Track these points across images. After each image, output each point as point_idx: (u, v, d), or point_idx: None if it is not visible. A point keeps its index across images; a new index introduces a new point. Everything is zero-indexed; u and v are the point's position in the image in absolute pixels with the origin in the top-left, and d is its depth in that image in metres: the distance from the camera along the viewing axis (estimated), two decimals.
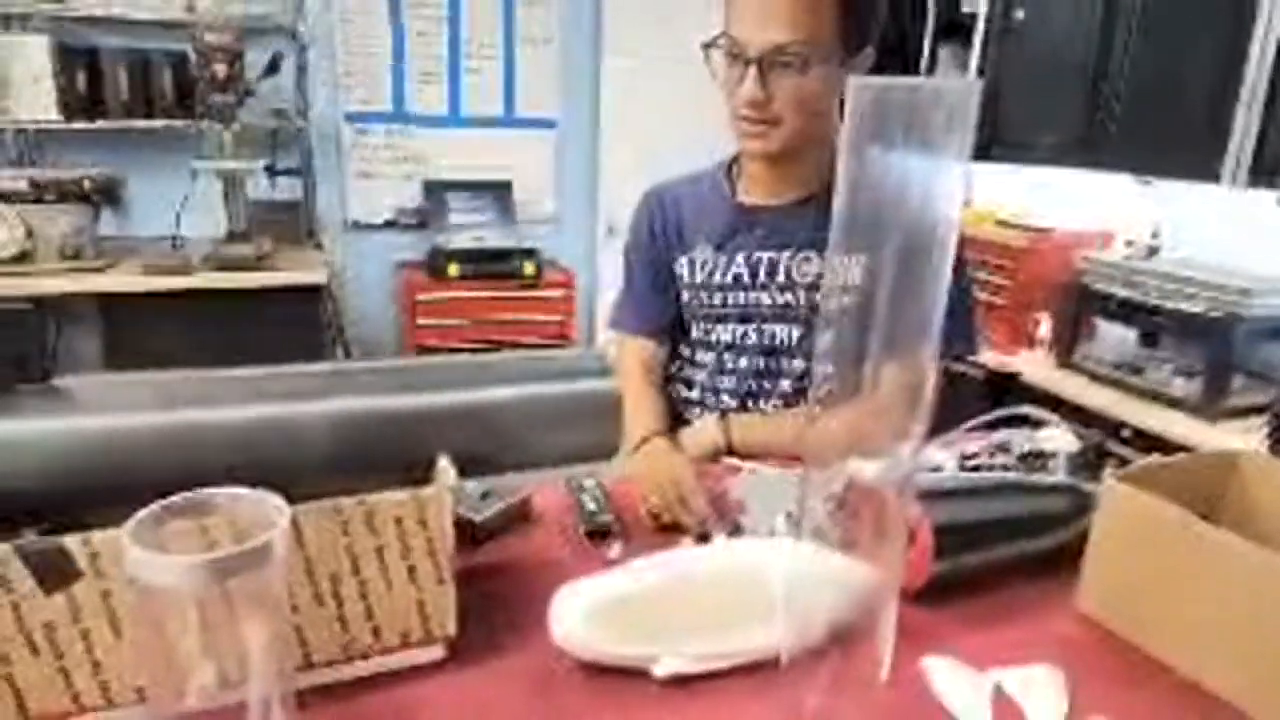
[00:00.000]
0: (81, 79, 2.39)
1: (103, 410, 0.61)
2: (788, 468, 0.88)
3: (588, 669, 0.58)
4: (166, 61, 2.44)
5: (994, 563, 0.71)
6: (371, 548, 0.55)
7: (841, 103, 0.66)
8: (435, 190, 2.93)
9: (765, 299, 1.01)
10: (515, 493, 0.79)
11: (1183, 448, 1.62)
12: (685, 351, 1.10)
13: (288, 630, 0.51)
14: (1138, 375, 1.91)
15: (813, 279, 0.99)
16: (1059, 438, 0.91)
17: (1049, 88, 2.19)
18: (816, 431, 0.53)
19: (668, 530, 0.78)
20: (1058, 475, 0.85)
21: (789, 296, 1.01)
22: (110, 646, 0.49)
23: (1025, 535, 0.72)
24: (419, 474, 0.59)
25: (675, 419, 1.08)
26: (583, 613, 0.58)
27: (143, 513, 0.45)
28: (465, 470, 0.61)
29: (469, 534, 0.74)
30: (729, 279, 1.03)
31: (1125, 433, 1.79)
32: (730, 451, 0.98)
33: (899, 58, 2.51)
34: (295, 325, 2.32)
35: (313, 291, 2.36)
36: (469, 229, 2.88)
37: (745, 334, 1.03)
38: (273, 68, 2.46)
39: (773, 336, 1.02)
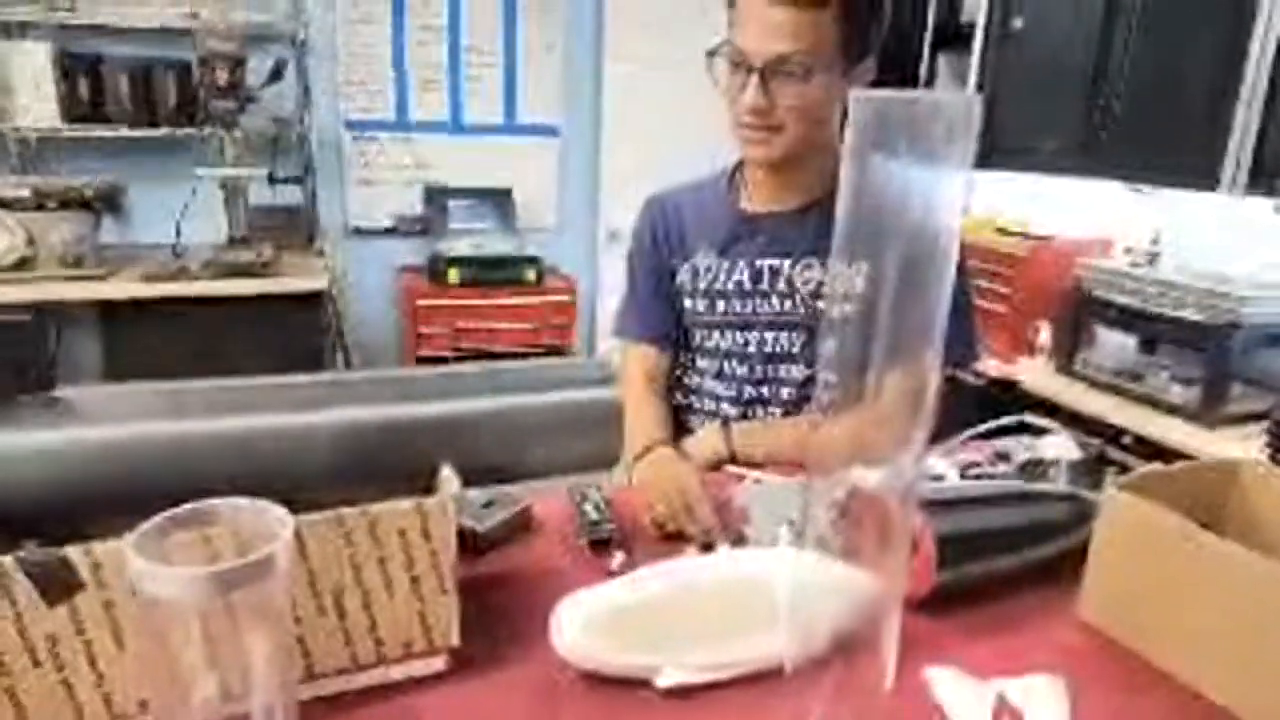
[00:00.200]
0: (84, 86, 2.40)
1: (104, 421, 0.61)
2: (790, 476, 0.88)
3: (590, 679, 0.58)
4: (169, 69, 2.45)
5: (996, 572, 0.71)
6: (374, 558, 0.55)
7: (844, 111, 0.66)
8: (436, 197, 2.94)
9: (766, 306, 1.02)
10: (517, 502, 0.79)
11: (1182, 454, 1.62)
12: (686, 358, 1.10)
13: (290, 641, 0.51)
14: (1137, 382, 1.91)
15: (814, 286, 1.00)
16: (1060, 445, 0.91)
17: (1048, 96, 2.20)
18: (819, 439, 0.53)
19: (671, 539, 0.78)
20: (1059, 483, 0.85)
21: (790, 304, 1.01)
22: (113, 658, 0.49)
23: (1027, 544, 0.72)
24: (422, 483, 0.59)
25: (676, 426, 1.08)
26: (585, 623, 0.58)
27: (146, 524, 0.45)
28: (468, 480, 0.61)
29: (471, 544, 0.74)
30: (730, 286, 1.03)
31: (1125, 439, 1.79)
32: (733, 460, 0.98)
33: (899, 66, 2.52)
34: (296, 331, 2.32)
35: (313, 298, 2.36)
36: (470, 235, 2.89)
37: (746, 341, 1.03)
38: (275, 75, 2.47)
39: (774, 344, 1.02)
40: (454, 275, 2.73)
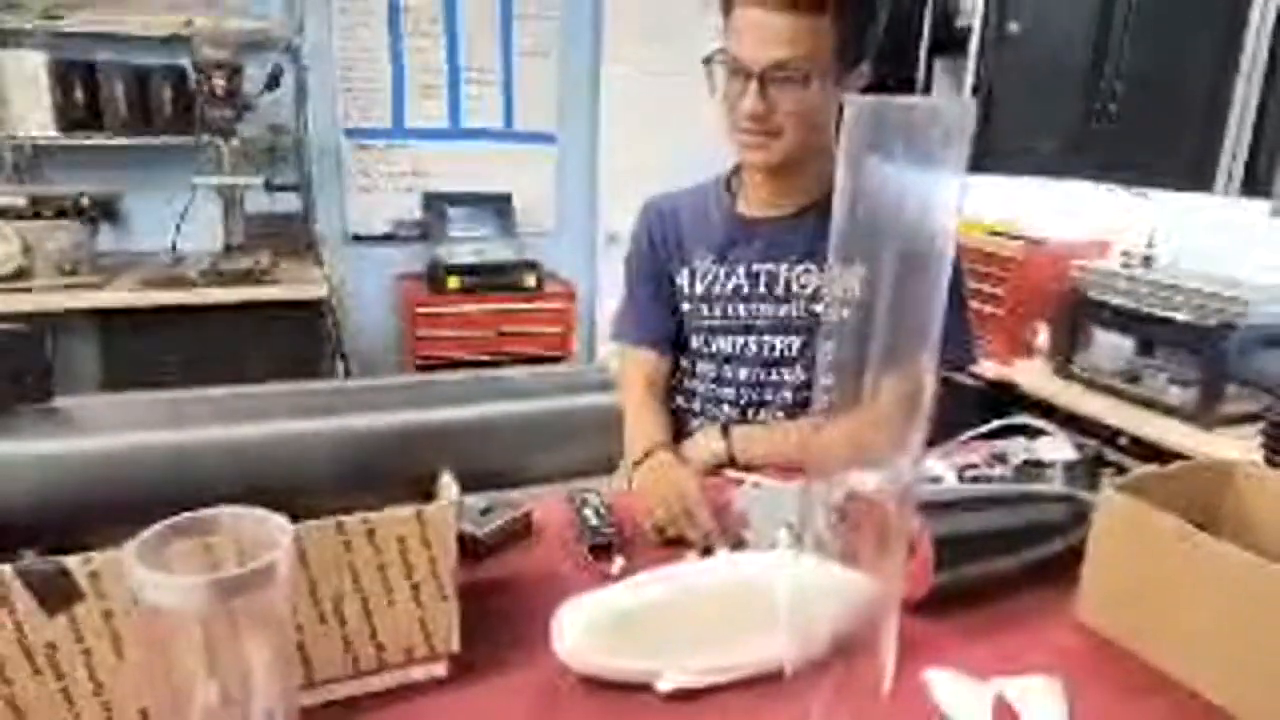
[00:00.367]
0: (79, 94, 2.39)
1: (103, 430, 0.61)
2: (789, 479, 0.88)
3: (591, 684, 0.58)
4: (165, 76, 2.45)
5: (994, 573, 0.71)
6: (374, 565, 0.55)
7: (840, 115, 0.67)
8: (435, 203, 2.94)
9: (765, 310, 1.02)
10: (517, 508, 0.80)
11: (1179, 455, 1.63)
12: (685, 362, 1.11)
13: (291, 648, 0.51)
14: (1135, 384, 1.92)
15: (812, 290, 1.00)
16: (1056, 447, 0.91)
17: (1044, 99, 2.21)
18: (818, 442, 0.53)
19: (671, 544, 0.78)
20: (1055, 485, 0.85)
21: (788, 308, 1.01)
22: (112, 667, 0.49)
23: (1024, 545, 0.73)
24: (422, 490, 0.60)
25: (676, 429, 1.08)
26: (586, 627, 0.58)
27: (146, 533, 0.45)
28: (468, 486, 0.61)
29: (471, 549, 0.74)
30: (729, 290, 1.03)
31: (1122, 440, 1.80)
32: (731, 463, 0.98)
33: (896, 70, 2.54)
34: (295, 339, 2.32)
35: (312, 305, 2.36)
36: (469, 241, 2.89)
37: (745, 345, 1.04)
38: (272, 82, 2.47)
39: (772, 348, 1.03)
40: (453, 282, 2.73)
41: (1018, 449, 0.95)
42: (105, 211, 2.26)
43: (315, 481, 0.67)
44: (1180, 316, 1.81)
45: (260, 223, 2.58)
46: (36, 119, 2.34)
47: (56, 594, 0.47)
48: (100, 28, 2.41)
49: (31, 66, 2.31)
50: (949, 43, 2.50)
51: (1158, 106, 1.94)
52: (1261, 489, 0.72)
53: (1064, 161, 2.15)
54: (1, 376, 0.57)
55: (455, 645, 0.58)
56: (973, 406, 2.02)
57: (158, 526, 0.45)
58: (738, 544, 0.77)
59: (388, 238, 2.99)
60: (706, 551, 0.75)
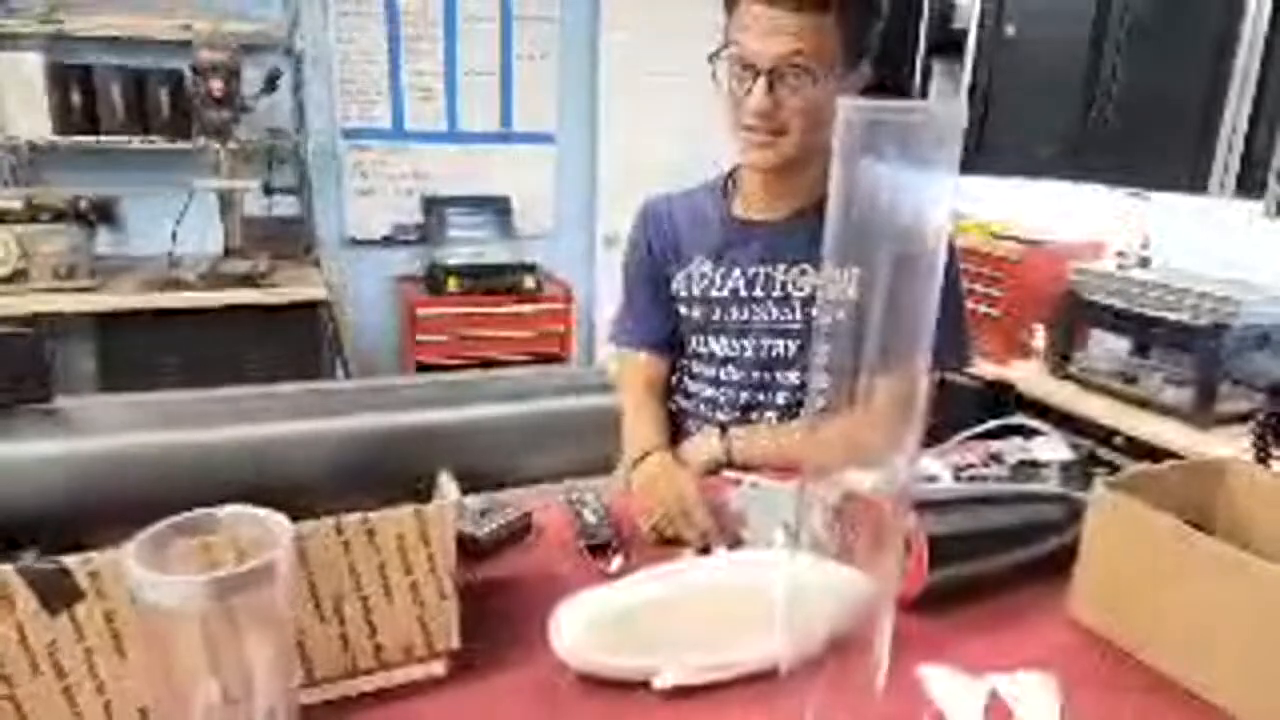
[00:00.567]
0: (77, 97, 2.40)
1: (102, 431, 0.62)
2: (786, 479, 0.89)
3: (589, 681, 0.59)
4: (162, 79, 2.46)
5: (988, 571, 0.72)
6: (374, 565, 0.55)
7: None
8: (434, 206, 2.95)
9: (762, 313, 1.02)
10: (516, 508, 0.80)
11: (1174, 455, 1.63)
12: (682, 364, 1.11)
13: (291, 647, 0.51)
14: (1131, 384, 1.93)
15: (809, 292, 1.00)
16: (1052, 447, 0.92)
17: (1040, 101, 2.22)
18: (814, 443, 0.54)
19: (669, 544, 0.79)
20: (1051, 484, 0.86)
21: (785, 310, 1.02)
22: (114, 666, 0.49)
23: (1019, 544, 0.73)
24: (421, 491, 0.60)
25: (674, 431, 1.08)
26: (584, 625, 0.59)
27: (146, 532, 0.45)
28: (466, 486, 0.62)
29: (470, 550, 0.74)
30: (726, 293, 1.04)
31: (1118, 441, 1.81)
32: (729, 464, 0.99)
33: (893, 72, 2.55)
34: (294, 342, 2.32)
35: (311, 308, 2.36)
36: (468, 244, 2.90)
37: (742, 347, 1.04)
38: (270, 85, 2.48)
39: (769, 350, 1.03)
40: (452, 284, 2.74)
41: (1013, 449, 0.96)
42: (103, 215, 2.26)
43: (314, 482, 0.68)
44: (1175, 317, 1.82)
45: (259, 226, 2.59)
46: (34, 121, 2.34)
47: (58, 594, 0.47)
48: (98, 30, 2.41)
49: (29, 69, 2.31)
50: (946, 45, 2.52)
51: (1153, 108, 1.95)
52: (1253, 486, 0.72)
53: (1060, 163, 2.15)
54: (1, 378, 0.57)
55: (455, 643, 0.59)
56: (970, 407, 2.02)
57: (157, 526, 0.46)
58: (735, 543, 0.77)
59: (386, 240, 3.00)
60: (704, 551, 0.76)
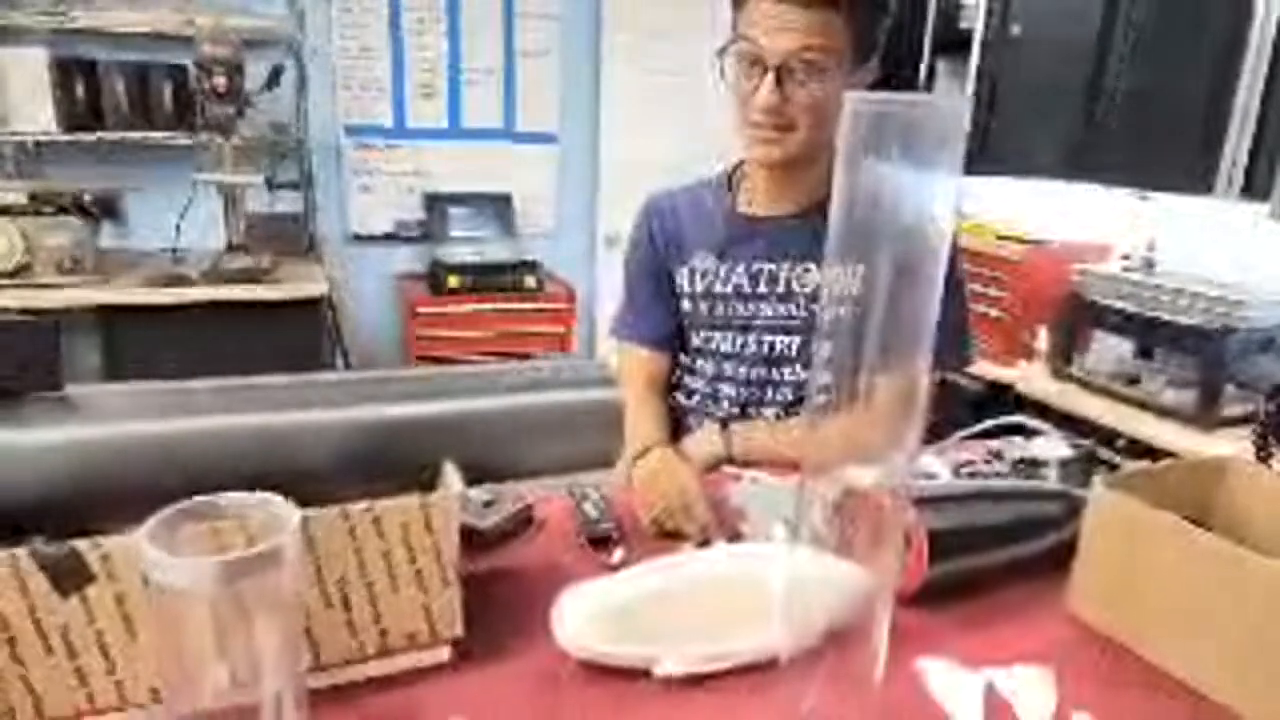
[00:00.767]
0: (81, 91, 2.41)
1: (111, 419, 0.62)
2: (786, 476, 0.89)
3: (590, 670, 0.59)
4: (166, 74, 2.46)
5: (987, 567, 0.72)
6: (379, 552, 0.56)
7: None
8: (436, 203, 2.95)
9: (765, 309, 1.03)
10: (518, 501, 0.81)
11: (1176, 457, 1.63)
12: (685, 360, 1.12)
13: (299, 632, 0.52)
14: (1133, 386, 1.93)
15: (812, 289, 1.01)
16: (1052, 445, 0.93)
17: (1046, 101, 2.21)
18: (815, 440, 0.54)
19: (669, 538, 0.79)
20: (1051, 481, 0.86)
21: (789, 307, 1.02)
22: (124, 648, 0.50)
23: (1018, 540, 0.74)
24: (426, 481, 0.61)
25: (675, 426, 1.09)
26: (586, 615, 0.59)
27: (157, 516, 0.46)
28: (469, 477, 0.62)
29: (473, 541, 0.75)
30: (729, 289, 1.04)
31: (1120, 443, 1.81)
32: (730, 460, 0.99)
33: (899, 70, 2.55)
34: (296, 339, 2.33)
35: (313, 304, 2.37)
36: (469, 242, 2.90)
37: (745, 343, 1.04)
38: (273, 80, 2.49)
39: (772, 347, 1.03)
40: (454, 282, 2.74)
41: (1013, 447, 0.96)
42: (106, 209, 2.27)
43: (320, 471, 0.68)
44: (1179, 319, 1.82)
45: (261, 222, 2.59)
46: (38, 116, 2.35)
47: (69, 576, 0.48)
48: (102, 25, 2.42)
49: (33, 63, 2.32)
50: (952, 44, 2.52)
51: (1159, 109, 1.94)
52: (1253, 485, 0.73)
53: (1066, 164, 2.15)
54: (10, 365, 0.58)
55: (458, 631, 0.59)
56: (971, 408, 2.03)
57: (168, 510, 0.46)
58: (735, 538, 0.78)
59: (388, 237, 3.00)
60: (704, 544, 0.76)
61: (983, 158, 2.31)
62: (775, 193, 1.02)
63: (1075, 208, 2.35)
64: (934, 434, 0.93)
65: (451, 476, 0.61)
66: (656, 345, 1.10)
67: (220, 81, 2.27)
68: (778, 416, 1.05)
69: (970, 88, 2.38)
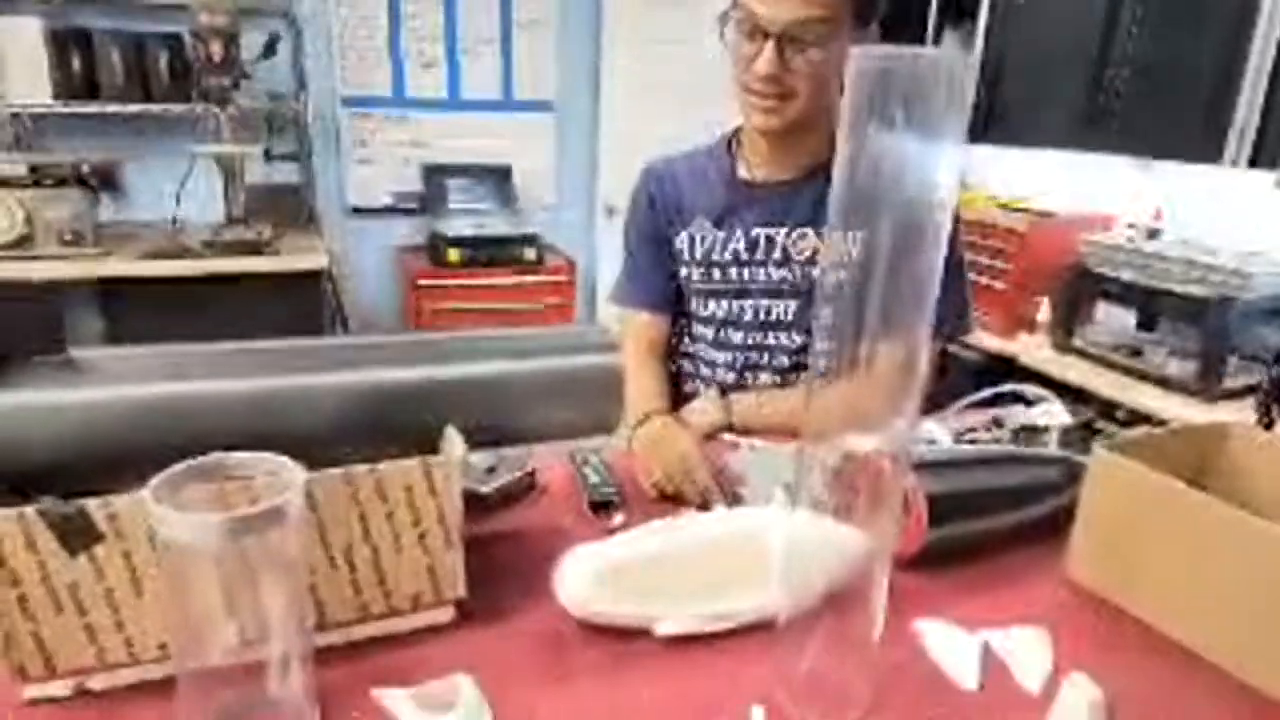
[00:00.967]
0: (76, 62, 2.38)
1: (116, 381, 0.63)
2: (785, 443, 0.90)
3: (591, 629, 0.60)
4: (161, 44, 2.43)
5: (986, 531, 0.73)
6: (382, 514, 0.56)
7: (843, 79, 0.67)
8: (435, 175, 2.93)
9: (762, 275, 1.03)
10: (521, 467, 0.81)
11: None
12: (683, 325, 1.12)
13: (305, 591, 0.52)
14: (1135, 358, 1.92)
15: (809, 254, 1.01)
16: (1053, 412, 0.93)
17: (1053, 69, 2.18)
18: (814, 408, 0.54)
19: (670, 502, 0.80)
20: (1051, 447, 0.86)
21: (785, 272, 1.02)
22: (133, 605, 0.51)
23: (1017, 504, 0.74)
24: (428, 444, 0.61)
25: (674, 391, 1.09)
26: (588, 576, 0.60)
27: (164, 474, 0.46)
28: (472, 440, 0.62)
29: (476, 506, 0.75)
30: (727, 255, 1.04)
31: (1120, 414, 1.81)
32: (730, 428, 1.00)
33: (904, 38, 2.50)
34: (296, 311, 2.33)
35: (313, 277, 2.37)
36: (469, 214, 2.88)
37: (742, 309, 1.05)
38: (269, 50, 2.45)
39: (769, 311, 1.04)
40: (454, 255, 2.73)
41: (1015, 415, 0.96)
42: (105, 181, 2.26)
43: (323, 435, 0.69)
44: (1183, 289, 1.81)
45: (260, 193, 2.58)
46: (34, 87, 2.32)
47: (78, 535, 0.49)
48: None
49: (29, 34, 2.29)
50: (959, 11, 2.47)
51: (1167, 77, 1.91)
52: (1255, 449, 0.73)
53: (1073, 133, 2.12)
54: (17, 329, 0.58)
55: (461, 592, 0.60)
56: (973, 379, 2.02)
57: (174, 468, 0.47)
58: (735, 502, 0.78)
59: (388, 210, 2.98)
60: (703, 508, 0.77)
61: (989, 127, 2.28)
62: (773, 159, 1.02)
63: (1081, 178, 2.33)
64: (935, 405, 0.94)
65: (453, 440, 0.61)
66: (656, 309, 1.10)
67: (216, 51, 2.24)
68: (774, 381, 1.06)
69: (977, 55, 2.34)
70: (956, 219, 0.98)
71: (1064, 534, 0.71)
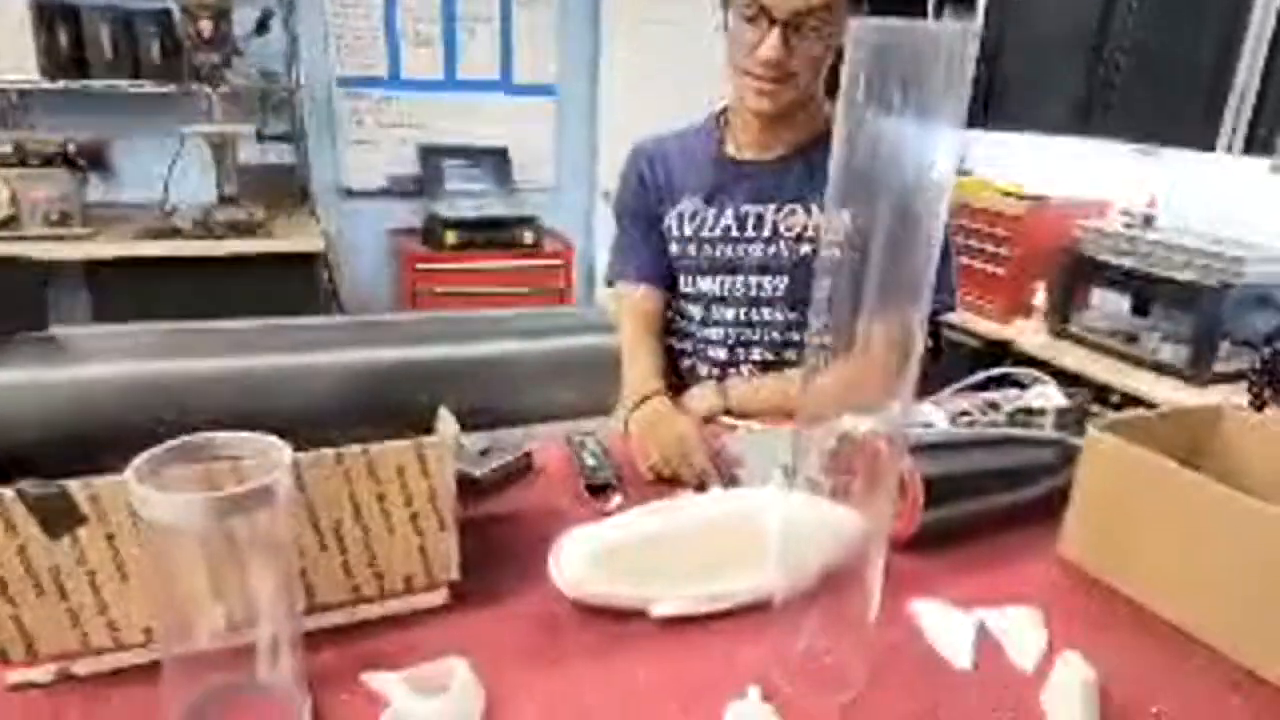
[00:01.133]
0: (64, 39, 2.33)
1: (101, 359, 0.61)
2: (783, 425, 0.89)
3: (587, 611, 0.60)
4: (150, 20, 2.38)
5: (982, 513, 0.73)
6: (374, 495, 0.55)
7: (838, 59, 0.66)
8: (431, 156, 2.90)
9: (752, 251, 1.03)
10: (515, 449, 0.80)
11: None
12: (674, 302, 1.12)
13: (294, 574, 0.52)
14: (1130, 343, 1.93)
15: (798, 231, 1.02)
16: (1048, 395, 0.92)
17: (1050, 56, 2.17)
18: (811, 389, 0.54)
19: (667, 484, 0.79)
20: (1047, 430, 0.86)
21: (775, 248, 1.03)
22: (117, 589, 0.50)
23: (1012, 486, 0.74)
24: (421, 425, 0.60)
25: (668, 369, 1.09)
26: (583, 557, 0.60)
27: (146, 454, 0.45)
28: (465, 422, 0.62)
29: (470, 489, 0.75)
30: (717, 232, 1.04)
31: (1115, 399, 1.81)
32: (728, 412, 1.00)
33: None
34: (289, 293, 2.31)
35: (307, 260, 2.34)
36: (466, 196, 2.86)
37: (732, 285, 1.05)
38: (261, 26, 2.41)
39: (759, 288, 1.04)
40: (451, 238, 2.71)
41: (1010, 399, 0.96)
42: (93, 161, 2.22)
43: (315, 415, 0.68)
44: (1178, 275, 1.81)
45: (253, 174, 2.54)
46: (20, 64, 2.28)
47: (59, 517, 0.48)
48: None
49: (14, 8, 2.24)
50: None
51: (1164, 64, 1.91)
52: (1248, 432, 0.73)
53: (1070, 120, 2.12)
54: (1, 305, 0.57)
55: (455, 574, 0.59)
56: (969, 364, 2.02)
57: (157, 449, 0.46)
58: (732, 484, 0.78)
59: (383, 192, 2.95)
60: (700, 490, 0.76)
61: (987, 112, 2.27)
62: (764, 138, 1.02)
63: (1078, 164, 2.32)
64: (930, 388, 0.93)
65: (446, 420, 0.60)
66: (649, 282, 1.09)
67: (206, 27, 2.20)
68: (766, 358, 1.06)
69: (976, 42, 2.32)
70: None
71: (1058, 515, 0.71)
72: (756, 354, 1.06)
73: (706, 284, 1.06)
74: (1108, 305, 2.05)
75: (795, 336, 1.04)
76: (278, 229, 2.36)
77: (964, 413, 0.92)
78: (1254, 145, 1.74)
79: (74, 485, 0.48)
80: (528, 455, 0.81)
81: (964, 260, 2.27)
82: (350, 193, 2.93)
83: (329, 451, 0.53)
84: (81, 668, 0.51)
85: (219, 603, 0.47)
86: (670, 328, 1.13)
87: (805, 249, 1.01)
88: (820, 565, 0.54)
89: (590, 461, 0.80)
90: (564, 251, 2.90)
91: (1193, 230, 1.97)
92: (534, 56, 3.00)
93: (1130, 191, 2.18)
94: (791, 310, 1.03)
